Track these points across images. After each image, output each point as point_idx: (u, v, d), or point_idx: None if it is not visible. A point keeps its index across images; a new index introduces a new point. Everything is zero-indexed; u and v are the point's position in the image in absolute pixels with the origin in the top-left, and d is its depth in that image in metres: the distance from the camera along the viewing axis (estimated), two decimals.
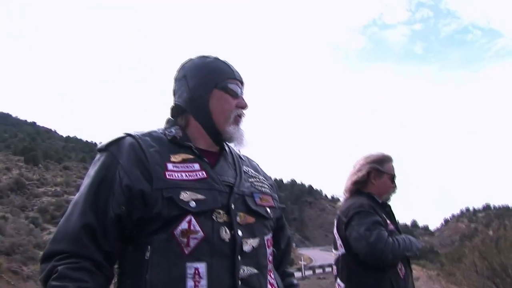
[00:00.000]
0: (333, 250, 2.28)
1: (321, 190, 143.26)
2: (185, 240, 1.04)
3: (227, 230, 1.08)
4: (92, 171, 1.12)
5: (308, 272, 29.79)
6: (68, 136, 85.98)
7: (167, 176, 1.08)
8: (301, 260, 34.34)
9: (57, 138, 78.85)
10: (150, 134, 1.18)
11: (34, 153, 43.96)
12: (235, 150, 1.32)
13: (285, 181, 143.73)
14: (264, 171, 1.40)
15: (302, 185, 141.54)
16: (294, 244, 65.61)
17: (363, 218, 2.08)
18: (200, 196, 1.08)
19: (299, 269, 30.45)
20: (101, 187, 1.08)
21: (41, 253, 1.09)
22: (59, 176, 39.49)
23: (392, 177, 2.30)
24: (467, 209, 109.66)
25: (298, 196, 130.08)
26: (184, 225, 1.04)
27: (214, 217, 1.08)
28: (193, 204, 1.06)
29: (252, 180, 1.26)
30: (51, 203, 30.07)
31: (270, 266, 1.19)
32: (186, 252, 1.04)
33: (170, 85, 1.32)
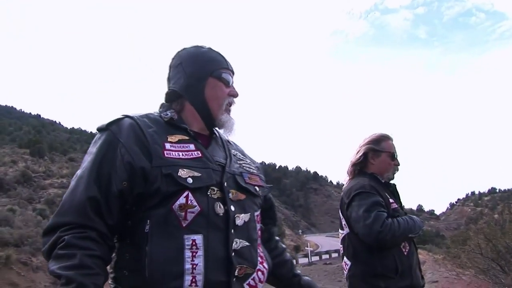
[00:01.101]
0: (340, 230, 2.32)
1: (326, 177, 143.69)
2: (182, 213, 1.11)
3: (221, 205, 1.16)
4: (93, 148, 1.17)
5: (315, 258, 30.00)
6: (73, 127, 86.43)
7: (166, 155, 1.15)
8: (307, 246, 34.53)
9: (62, 130, 79.15)
10: (147, 116, 1.25)
11: (39, 146, 44.18)
12: (223, 135, 1.39)
13: (290, 168, 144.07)
14: (250, 156, 1.48)
15: (307, 171, 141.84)
16: (300, 231, 66.09)
17: (363, 199, 2.11)
18: (196, 173, 1.15)
19: (306, 255, 30.71)
20: (103, 163, 1.13)
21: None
22: (65, 168, 39.69)
23: (392, 155, 2.31)
24: (473, 193, 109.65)
25: (304, 183, 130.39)
26: (182, 200, 1.11)
27: (209, 193, 1.15)
28: (190, 180, 1.13)
29: (241, 162, 1.34)
30: (58, 195, 30.21)
31: (259, 240, 1.28)
32: (184, 225, 1.10)
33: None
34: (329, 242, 49.41)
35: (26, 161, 39.30)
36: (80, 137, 71.53)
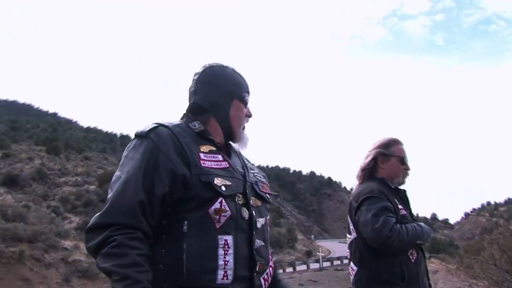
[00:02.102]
0: (347, 235, 2.31)
1: (340, 182, 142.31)
2: (217, 217, 1.25)
3: (246, 211, 1.31)
4: (136, 154, 1.28)
5: (326, 264, 29.97)
6: (89, 126, 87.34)
7: (202, 164, 1.28)
8: (319, 252, 34.37)
9: (78, 129, 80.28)
10: (179, 126, 1.37)
11: (55, 144, 44.94)
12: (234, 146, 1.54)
13: (304, 173, 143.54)
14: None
15: (321, 177, 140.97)
16: (312, 236, 65.82)
17: (371, 204, 2.09)
18: (227, 182, 1.29)
19: (317, 261, 30.57)
20: (148, 169, 1.24)
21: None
22: (80, 166, 40.28)
23: (401, 159, 2.28)
24: (488, 203, 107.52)
25: (317, 188, 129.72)
26: (216, 205, 1.25)
27: (236, 200, 1.30)
28: (224, 188, 1.27)
29: (253, 172, 1.49)
30: (72, 193, 30.70)
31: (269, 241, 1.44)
32: (217, 226, 1.24)
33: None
34: (341, 248, 49.01)
35: (42, 158, 39.91)
36: (96, 136, 72.53)
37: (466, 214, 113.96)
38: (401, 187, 2.32)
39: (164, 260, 1.22)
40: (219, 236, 1.24)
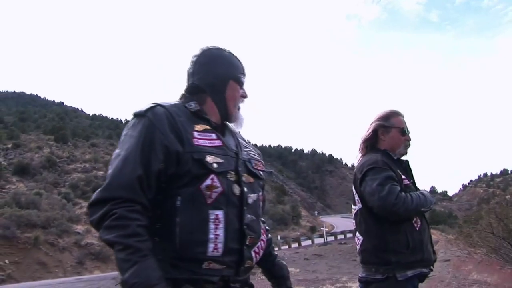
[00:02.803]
0: (353, 206, 2.32)
1: (341, 159, 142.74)
2: (208, 193, 1.30)
3: (237, 187, 1.36)
4: (134, 132, 1.32)
5: (330, 238, 30.11)
6: (94, 114, 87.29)
7: (195, 142, 1.33)
8: (323, 227, 34.84)
9: (84, 117, 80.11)
10: (176, 106, 1.41)
11: (63, 132, 45.19)
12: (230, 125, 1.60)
13: (305, 150, 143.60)
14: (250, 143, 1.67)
15: (323, 154, 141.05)
16: (316, 212, 66.22)
17: (376, 174, 2.12)
18: (219, 160, 1.34)
19: (321, 236, 31.03)
20: (145, 146, 1.29)
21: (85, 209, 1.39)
22: (88, 153, 40.52)
23: (402, 130, 2.30)
24: (485, 174, 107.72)
25: (319, 165, 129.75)
26: (208, 181, 1.30)
27: (228, 176, 1.35)
28: (215, 165, 1.32)
29: (247, 149, 1.53)
30: (81, 179, 31.10)
31: (261, 216, 1.51)
32: (209, 202, 1.29)
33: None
34: (344, 223, 49.36)
35: (50, 147, 40.15)
36: (102, 123, 72.28)
37: (464, 186, 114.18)
38: (403, 158, 2.35)
39: (159, 233, 1.28)
40: (210, 211, 1.28)
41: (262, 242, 1.44)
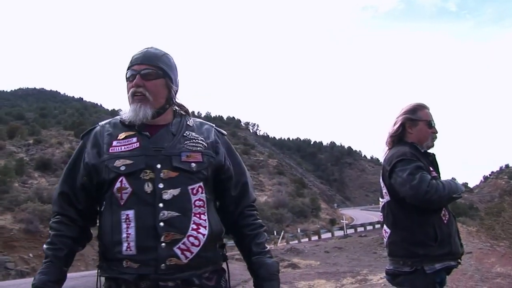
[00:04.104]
0: (380, 199, 2.34)
1: (360, 151, 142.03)
2: (119, 194, 1.38)
3: (150, 184, 1.37)
4: (73, 153, 1.55)
5: (350, 231, 30.16)
6: (114, 109, 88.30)
7: (110, 151, 1.44)
8: (342, 219, 34.73)
9: (103, 112, 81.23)
10: (109, 122, 1.56)
11: (83, 127, 45.84)
12: (189, 119, 1.58)
13: (324, 143, 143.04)
14: (212, 132, 1.58)
15: (342, 146, 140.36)
16: (335, 205, 66.09)
17: (405, 164, 2.12)
18: (128, 161, 1.39)
19: (341, 228, 30.94)
20: (74, 165, 1.50)
21: None
22: None
23: (429, 123, 2.31)
24: (507, 166, 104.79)
25: (338, 158, 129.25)
26: (118, 184, 1.39)
27: (141, 176, 1.38)
28: (123, 167, 1.39)
29: (188, 142, 1.47)
30: None
31: (199, 209, 1.41)
32: (121, 203, 1.38)
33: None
34: (364, 215, 49.35)
35: (71, 142, 40.99)
36: None
37: (485, 178, 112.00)
38: (430, 150, 2.35)
39: (98, 237, 1.46)
40: (122, 212, 1.36)
41: (191, 237, 1.36)
